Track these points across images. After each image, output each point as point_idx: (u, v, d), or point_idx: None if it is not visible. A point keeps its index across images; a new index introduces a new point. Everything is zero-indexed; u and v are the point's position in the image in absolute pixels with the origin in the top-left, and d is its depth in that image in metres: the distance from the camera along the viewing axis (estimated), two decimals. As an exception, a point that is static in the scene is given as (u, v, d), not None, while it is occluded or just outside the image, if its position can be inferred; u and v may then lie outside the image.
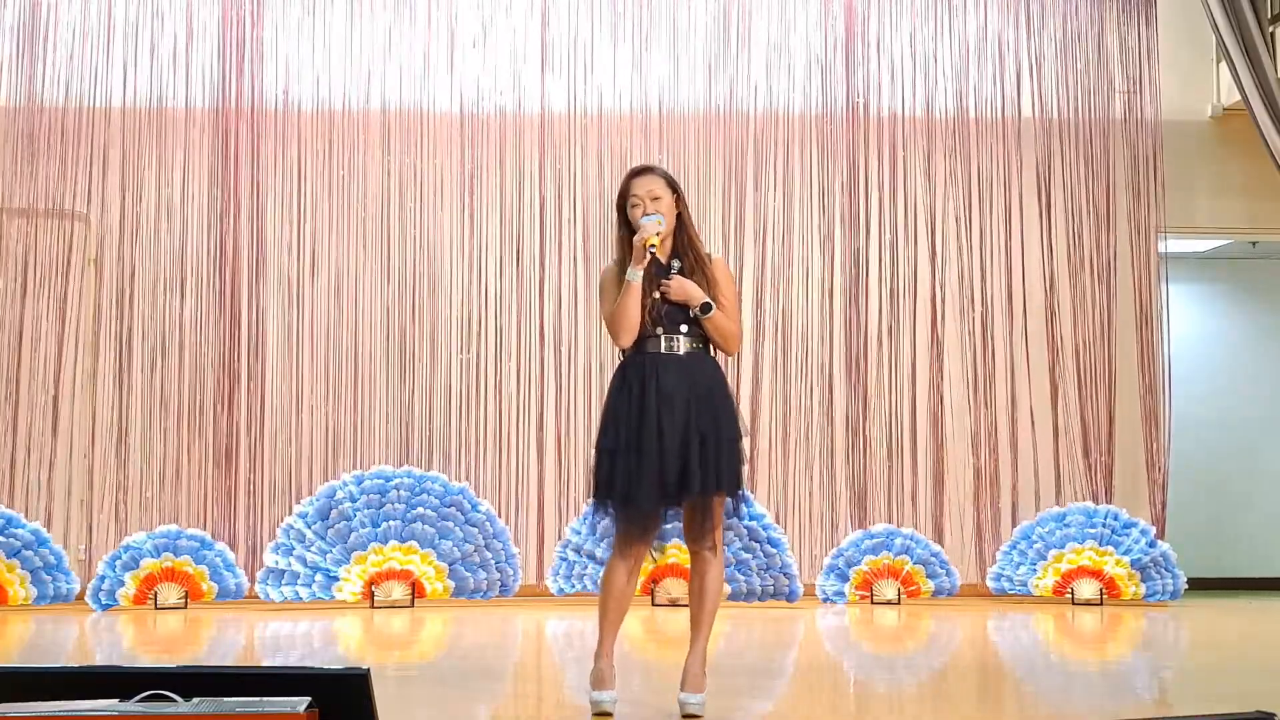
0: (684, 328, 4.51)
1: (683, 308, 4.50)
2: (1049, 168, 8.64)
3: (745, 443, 4.64)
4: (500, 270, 8.40)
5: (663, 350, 4.49)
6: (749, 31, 8.56)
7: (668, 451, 4.40)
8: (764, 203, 8.51)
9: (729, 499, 4.52)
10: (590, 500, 4.59)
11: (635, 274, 4.44)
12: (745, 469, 4.62)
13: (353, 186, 8.38)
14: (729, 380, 4.73)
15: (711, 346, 4.58)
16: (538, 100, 8.46)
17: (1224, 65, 8.31)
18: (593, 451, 4.64)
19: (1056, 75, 8.69)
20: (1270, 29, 8.02)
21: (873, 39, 8.60)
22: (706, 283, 4.54)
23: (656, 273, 4.52)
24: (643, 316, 4.47)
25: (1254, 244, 9.54)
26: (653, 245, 4.43)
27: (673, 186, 4.59)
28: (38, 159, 8.22)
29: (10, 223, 8.20)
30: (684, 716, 4.43)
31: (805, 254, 8.50)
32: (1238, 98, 8.08)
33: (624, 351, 4.56)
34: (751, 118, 8.53)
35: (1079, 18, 8.72)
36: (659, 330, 4.49)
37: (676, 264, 4.54)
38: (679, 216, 4.58)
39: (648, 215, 4.48)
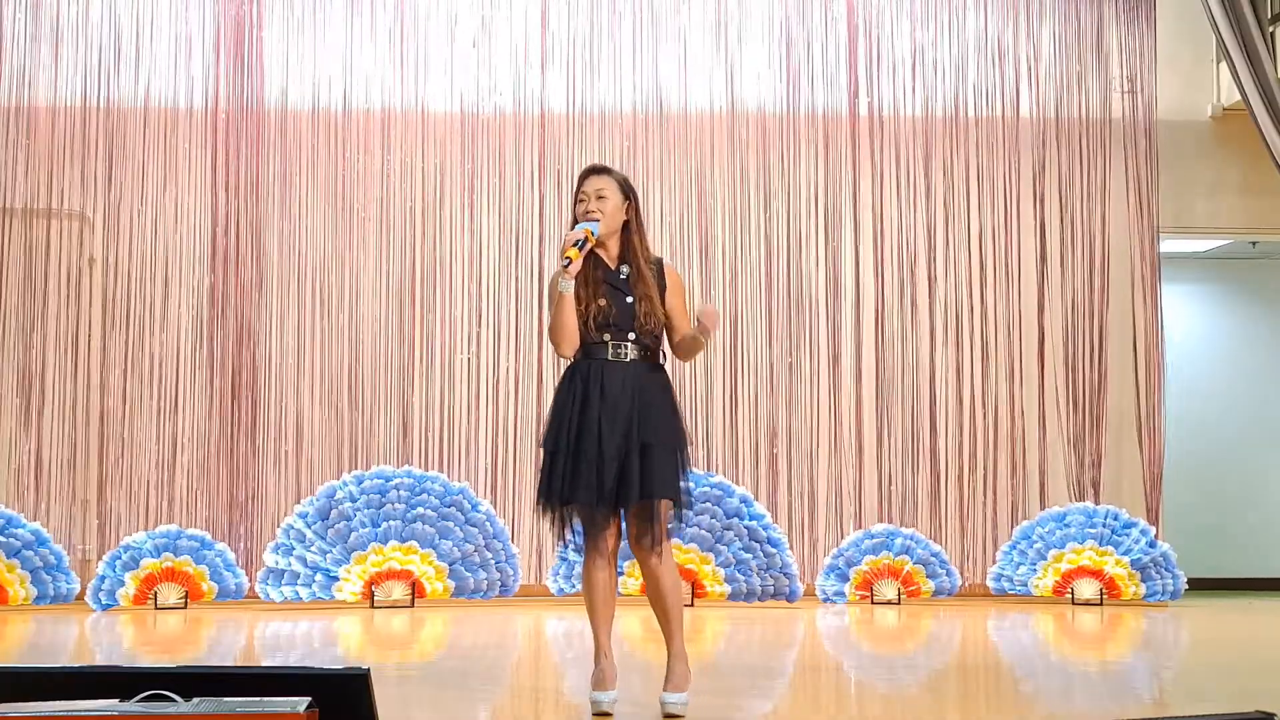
0: (631, 335, 4.49)
1: (630, 314, 4.46)
2: (1048, 167, 8.64)
3: (690, 451, 4.59)
4: (500, 270, 8.40)
5: (609, 357, 4.47)
6: (749, 31, 8.57)
7: (606, 458, 4.39)
8: (764, 201, 8.51)
9: (673, 508, 4.47)
10: (538, 502, 4.56)
11: (567, 286, 4.41)
12: (686, 483, 4.53)
13: (352, 186, 8.38)
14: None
15: (662, 355, 4.57)
16: (538, 100, 8.46)
17: (1224, 65, 8.31)
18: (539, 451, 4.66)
19: (1056, 75, 8.69)
20: (1270, 29, 8.01)
21: (873, 38, 8.61)
22: (661, 286, 4.53)
23: (606, 277, 4.50)
24: (590, 322, 4.44)
25: (1254, 244, 9.54)
26: (568, 259, 4.36)
27: (625, 191, 4.55)
28: (38, 159, 8.23)
29: (11, 223, 8.20)
30: (665, 716, 4.40)
31: (804, 253, 8.50)
32: (1238, 98, 8.07)
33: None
34: (752, 117, 8.53)
35: (1078, 17, 8.72)
36: (606, 337, 4.47)
37: (625, 269, 4.52)
38: (627, 222, 4.55)
39: (581, 221, 4.45)
